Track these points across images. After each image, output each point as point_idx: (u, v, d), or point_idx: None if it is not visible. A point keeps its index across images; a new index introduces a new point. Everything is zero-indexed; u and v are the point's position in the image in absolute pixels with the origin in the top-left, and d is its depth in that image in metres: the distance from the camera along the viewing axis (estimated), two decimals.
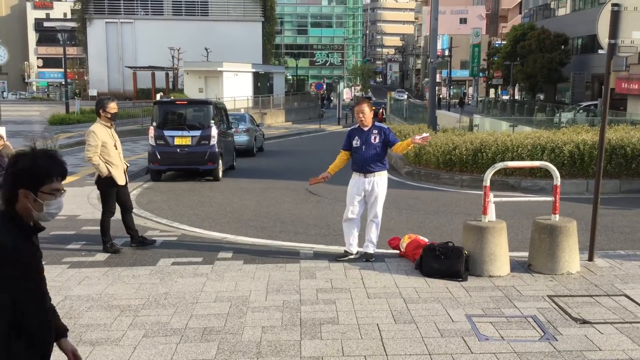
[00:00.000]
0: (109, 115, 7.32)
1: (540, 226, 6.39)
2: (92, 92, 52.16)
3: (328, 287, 5.89)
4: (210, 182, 14.29)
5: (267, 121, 39.79)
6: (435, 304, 5.39)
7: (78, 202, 10.82)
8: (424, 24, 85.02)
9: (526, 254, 6.72)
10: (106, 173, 7.16)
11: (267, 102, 45.29)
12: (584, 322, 4.95)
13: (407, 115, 41.18)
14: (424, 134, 6.77)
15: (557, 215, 6.44)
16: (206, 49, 52.44)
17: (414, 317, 5.07)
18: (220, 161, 14.49)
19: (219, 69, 46.25)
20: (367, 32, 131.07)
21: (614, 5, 6.44)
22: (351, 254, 6.91)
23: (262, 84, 52.43)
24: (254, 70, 50.74)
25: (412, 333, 4.72)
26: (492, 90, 71.23)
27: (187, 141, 14.12)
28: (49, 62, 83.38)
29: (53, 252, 7.24)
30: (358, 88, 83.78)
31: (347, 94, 75.14)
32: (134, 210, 8.91)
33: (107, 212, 7.33)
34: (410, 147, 7.13)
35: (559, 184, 6.47)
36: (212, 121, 14.38)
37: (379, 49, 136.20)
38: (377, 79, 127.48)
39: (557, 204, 6.45)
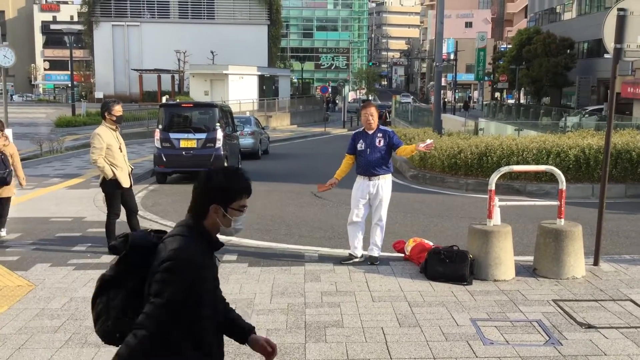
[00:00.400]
0: (114, 118, 7.36)
1: (545, 230, 6.38)
2: (99, 94, 52.33)
3: (333, 290, 5.90)
4: None
5: (272, 124, 39.83)
6: (440, 307, 5.39)
7: (84, 204, 10.86)
8: (430, 28, 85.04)
9: (531, 258, 6.71)
10: (111, 175, 7.18)
11: (272, 105, 45.34)
12: (589, 326, 4.94)
13: (412, 118, 41.18)
14: (428, 141, 6.79)
15: (563, 220, 6.43)
16: (212, 52, 52.57)
17: (419, 320, 5.07)
18: (225, 164, 14.51)
19: (224, 71, 46.34)
20: (373, 35, 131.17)
21: (619, 9, 6.44)
22: (356, 257, 6.92)
23: (267, 87, 52.51)
24: (259, 73, 50.82)
25: (417, 337, 4.72)
26: (497, 94, 71.13)
27: (193, 144, 14.17)
28: (55, 65, 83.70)
29: (59, 254, 7.27)
30: (363, 91, 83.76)
31: (352, 97, 75.21)
32: (140, 212, 8.94)
33: (112, 215, 7.36)
34: (414, 153, 7.16)
35: (564, 188, 6.46)
36: (218, 124, 14.42)
37: (384, 53, 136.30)
38: (382, 83, 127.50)
39: (562, 208, 6.44)
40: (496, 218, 6.42)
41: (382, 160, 6.82)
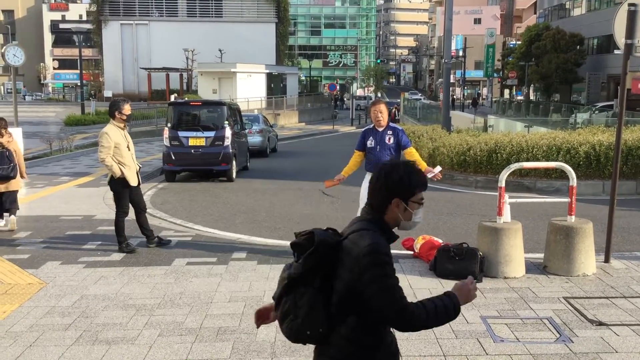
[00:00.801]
0: (124, 117, 7.38)
1: (555, 227, 6.35)
2: (107, 93, 52.52)
3: None
4: (224, 182, 14.34)
5: (280, 122, 39.84)
6: None
7: (94, 203, 10.91)
8: (438, 24, 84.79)
9: (542, 255, 6.68)
10: (119, 174, 7.21)
11: (280, 103, 45.35)
12: (600, 323, 4.91)
13: (420, 115, 41.06)
14: (437, 170, 6.72)
15: (573, 217, 6.40)
16: (220, 50, 52.63)
17: None
18: (234, 162, 14.54)
19: (232, 70, 46.38)
20: (381, 32, 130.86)
21: (630, 5, 6.39)
22: None
23: (275, 85, 52.52)
24: (267, 71, 50.83)
25: (427, 334, 4.71)
26: (506, 91, 70.83)
27: (201, 142, 14.19)
28: (64, 64, 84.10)
29: (69, 252, 7.31)
30: (371, 89, 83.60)
31: (360, 93, 75.11)
32: (149, 210, 8.99)
33: (120, 213, 7.39)
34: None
35: (574, 184, 6.42)
36: (226, 122, 14.43)
37: (392, 50, 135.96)
38: (391, 80, 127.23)
39: (573, 205, 6.40)
40: (506, 215, 6.39)
41: (392, 157, 6.80)
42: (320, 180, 8.25)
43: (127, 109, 7.40)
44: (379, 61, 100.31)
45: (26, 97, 69.60)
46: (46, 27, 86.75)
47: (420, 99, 60.01)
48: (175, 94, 40.89)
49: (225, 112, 14.65)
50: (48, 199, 11.39)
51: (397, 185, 2.37)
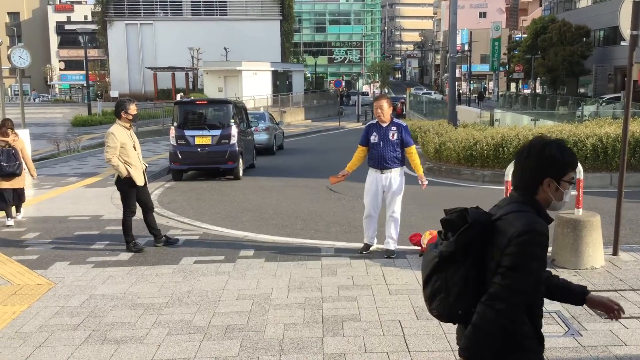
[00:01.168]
0: (130, 117, 7.41)
1: (563, 221, 6.33)
2: (114, 93, 52.68)
3: (349, 284, 5.89)
4: (231, 180, 14.36)
5: (286, 119, 39.83)
6: None
7: (101, 203, 10.96)
8: (443, 19, 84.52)
9: (549, 249, 6.65)
10: (125, 174, 7.23)
11: (286, 100, 45.35)
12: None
13: (426, 111, 40.97)
14: (423, 183, 6.93)
15: (581, 210, 6.37)
16: (225, 49, 52.66)
17: None
18: (240, 160, 14.55)
19: (238, 68, 46.40)
20: (386, 28, 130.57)
21: None
22: (372, 245, 6.97)
23: (281, 83, 52.52)
24: (272, 68, 50.84)
25: (435, 329, 4.70)
26: (512, 85, 70.57)
27: (208, 140, 14.21)
28: (70, 65, 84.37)
29: (78, 252, 7.34)
30: (377, 85, 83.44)
31: (365, 89, 74.99)
32: (156, 209, 9.01)
33: (127, 212, 7.41)
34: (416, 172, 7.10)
35: (581, 177, 6.40)
36: (232, 120, 14.45)
37: (397, 45, 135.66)
38: (397, 76, 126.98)
39: (580, 198, 6.38)
40: None
41: (395, 153, 6.80)
42: (326, 177, 8.24)
43: (133, 108, 7.43)
44: (384, 57, 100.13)
45: (36, 99, 69.97)
46: (52, 28, 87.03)
47: (430, 94, 59.76)
48: (182, 93, 40.97)
49: (231, 111, 14.67)
50: (56, 200, 11.45)
51: (549, 163, 2.28)
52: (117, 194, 7.85)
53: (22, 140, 9.77)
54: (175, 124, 14.64)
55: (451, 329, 4.69)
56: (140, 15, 58.40)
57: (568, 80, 50.35)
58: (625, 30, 6.52)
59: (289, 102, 45.35)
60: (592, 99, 36.93)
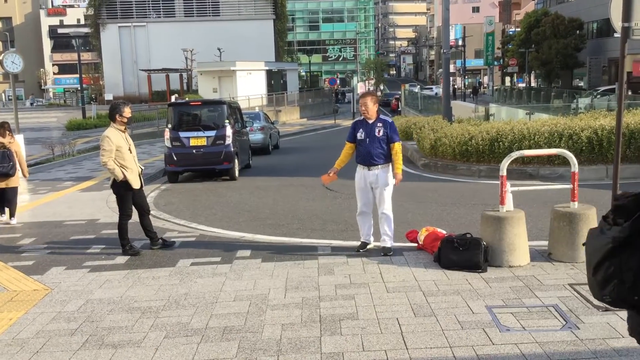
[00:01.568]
0: (125, 120, 7.40)
1: (559, 214, 6.33)
2: (108, 96, 52.63)
3: (347, 282, 5.89)
4: (227, 181, 14.35)
5: (281, 118, 39.81)
6: (455, 296, 5.36)
7: (97, 206, 10.93)
8: (436, 15, 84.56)
9: (546, 242, 6.66)
10: (121, 177, 7.21)
11: (281, 99, 45.34)
12: (606, 309, 4.89)
13: (422, 107, 40.98)
14: (397, 179, 6.84)
15: (576, 203, 6.37)
16: (219, 49, 52.62)
17: (434, 310, 5.05)
18: (236, 160, 14.54)
19: (232, 68, 46.37)
20: (379, 25, 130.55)
21: None
22: (369, 243, 6.96)
23: (275, 82, 52.50)
24: (267, 68, 50.81)
25: (433, 326, 4.70)
26: (507, 79, 70.63)
27: (203, 142, 14.19)
28: (64, 69, 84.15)
29: (73, 257, 7.32)
30: (372, 82, 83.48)
31: (361, 88, 74.93)
32: (152, 212, 8.99)
33: (123, 216, 7.39)
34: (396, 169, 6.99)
35: (576, 170, 6.40)
36: (227, 121, 14.43)
37: (391, 42, 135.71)
38: (391, 72, 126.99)
39: (575, 191, 6.38)
40: (509, 204, 6.38)
41: (382, 150, 6.80)
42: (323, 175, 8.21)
43: (127, 111, 7.41)
44: (378, 53, 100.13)
45: (33, 104, 69.81)
46: (44, 32, 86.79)
47: (432, 89, 59.56)
48: (176, 95, 40.93)
49: (225, 111, 14.65)
50: (51, 205, 11.42)
51: None
52: (113, 198, 7.84)
53: (18, 143, 10.33)
54: (169, 125, 14.62)
55: (449, 325, 4.70)
56: (133, 18, 58.28)
57: (562, 73, 50.42)
58: (617, 22, 6.51)
59: (284, 101, 45.35)
60: (586, 92, 37.00)
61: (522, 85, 60.48)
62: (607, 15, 7.17)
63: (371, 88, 75.47)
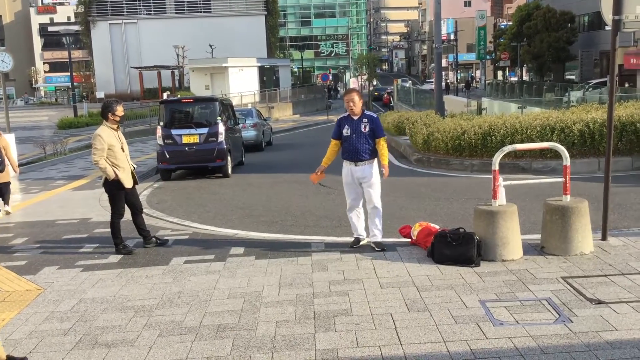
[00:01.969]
0: (117, 118, 7.36)
1: (551, 208, 6.34)
2: (100, 94, 52.39)
3: (340, 278, 5.89)
4: (220, 178, 14.32)
5: (274, 115, 39.75)
6: (449, 290, 5.37)
7: (90, 205, 10.89)
8: (428, 9, 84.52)
9: (539, 236, 6.67)
10: (113, 176, 7.17)
11: (273, 95, 45.25)
12: (599, 302, 4.91)
13: (414, 102, 40.98)
14: (385, 174, 6.84)
15: (568, 196, 6.39)
16: (210, 46, 52.44)
17: (428, 305, 5.05)
18: (229, 157, 14.51)
19: (224, 65, 46.24)
20: (371, 20, 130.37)
21: None
22: (362, 239, 6.96)
23: (268, 78, 52.38)
24: (259, 64, 50.68)
25: (426, 321, 4.71)
26: (499, 73, 70.73)
27: (195, 139, 14.15)
28: (55, 67, 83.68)
29: (66, 256, 7.29)
30: (364, 77, 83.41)
31: (354, 83, 74.95)
32: (145, 210, 8.96)
33: (116, 215, 7.36)
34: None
35: (568, 164, 6.41)
36: (219, 118, 14.40)
37: (383, 37, 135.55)
38: (384, 67, 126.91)
39: (567, 185, 6.39)
40: (501, 198, 6.38)
41: (368, 145, 6.81)
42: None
43: (119, 110, 7.37)
44: (371, 48, 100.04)
45: (28, 102, 69.38)
46: (35, 30, 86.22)
47: (432, 83, 59.43)
48: (168, 92, 40.80)
49: (218, 108, 14.61)
50: (44, 204, 11.36)
51: None
52: (105, 196, 7.79)
53: (6, 139, 10.90)
54: (161, 123, 14.57)
55: (443, 319, 4.71)
56: (123, 15, 57.98)
57: (554, 67, 50.51)
58: (608, 15, 6.53)
59: (277, 98, 45.27)
60: (578, 85, 37.08)
61: (514, 79, 60.62)
62: (598, 8, 7.19)
63: (364, 84, 75.43)
